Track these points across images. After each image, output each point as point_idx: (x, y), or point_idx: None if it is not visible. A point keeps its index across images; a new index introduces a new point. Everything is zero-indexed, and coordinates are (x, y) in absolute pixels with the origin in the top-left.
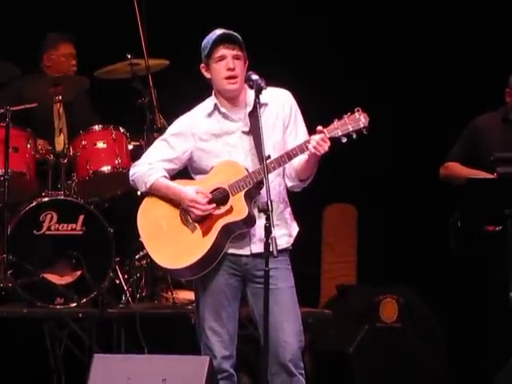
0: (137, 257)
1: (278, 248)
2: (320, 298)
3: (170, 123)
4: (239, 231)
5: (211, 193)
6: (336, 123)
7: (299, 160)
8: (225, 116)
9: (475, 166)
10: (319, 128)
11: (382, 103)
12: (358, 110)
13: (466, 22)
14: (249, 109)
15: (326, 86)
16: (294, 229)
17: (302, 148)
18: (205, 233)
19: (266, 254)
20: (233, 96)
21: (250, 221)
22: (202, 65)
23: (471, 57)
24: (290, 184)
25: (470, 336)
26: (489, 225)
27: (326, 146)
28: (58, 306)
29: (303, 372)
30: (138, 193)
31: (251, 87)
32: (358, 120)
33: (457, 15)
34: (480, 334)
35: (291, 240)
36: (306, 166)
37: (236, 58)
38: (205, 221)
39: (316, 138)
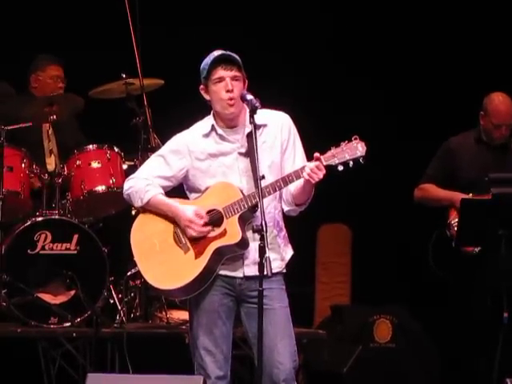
0: (129, 273)
1: None
2: (314, 318)
3: (164, 143)
4: (232, 254)
5: (205, 214)
6: (333, 151)
7: (296, 185)
8: (222, 137)
9: (450, 187)
10: (316, 155)
11: (375, 124)
12: (355, 138)
13: (444, 44)
14: (247, 129)
15: (325, 110)
16: (288, 253)
17: (297, 174)
18: (197, 254)
19: (261, 274)
20: (231, 118)
21: (243, 244)
22: (202, 86)
23: (446, 78)
24: (286, 208)
25: (464, 356)
26: (476, 246)
27: (320, 174)
28: (52, 326)
29: None
30: (133, 212)
31: None
32: (356, 148)
33: (431, 39)
34: (473, 354)
35: (283, 264)
36: (301, 192)
37: (234, 79)
38: (198, 242)
39: (311, 165)
